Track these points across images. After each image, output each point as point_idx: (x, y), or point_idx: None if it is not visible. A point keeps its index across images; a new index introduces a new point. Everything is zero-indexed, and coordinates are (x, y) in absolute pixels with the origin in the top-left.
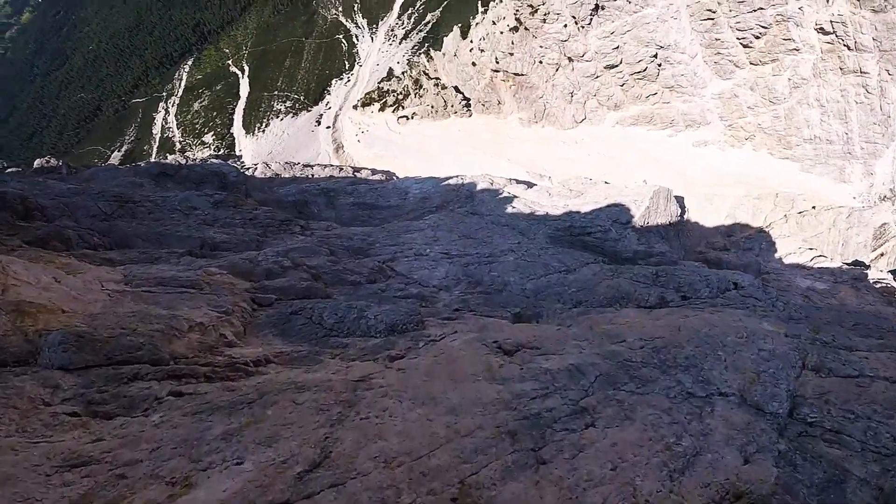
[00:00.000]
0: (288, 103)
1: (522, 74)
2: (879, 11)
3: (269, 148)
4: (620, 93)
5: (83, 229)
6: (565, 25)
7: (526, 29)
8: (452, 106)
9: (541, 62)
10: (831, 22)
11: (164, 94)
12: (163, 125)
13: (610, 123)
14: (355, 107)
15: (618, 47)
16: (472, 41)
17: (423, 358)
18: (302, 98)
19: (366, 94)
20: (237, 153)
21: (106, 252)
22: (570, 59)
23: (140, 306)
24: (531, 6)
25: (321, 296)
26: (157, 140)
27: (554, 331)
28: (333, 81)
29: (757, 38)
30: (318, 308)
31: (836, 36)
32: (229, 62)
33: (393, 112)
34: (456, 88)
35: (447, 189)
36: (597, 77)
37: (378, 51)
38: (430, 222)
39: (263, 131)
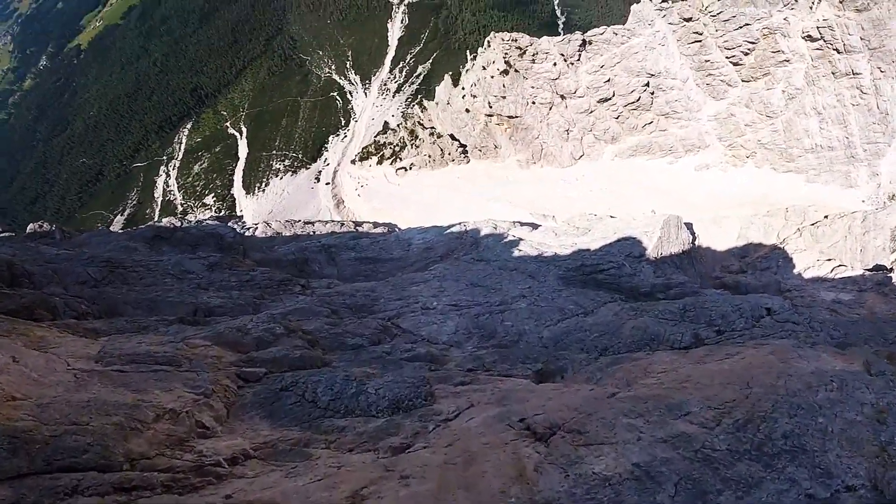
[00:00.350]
0: (287, 162)
1: (517, 116)
2: (863, 10)
3: (269, 207)
4: (616, 125)
5: (70, 296)
6: (555, 64)
7: (516, 71)
8: (449, 154)
9: (534, 103)
10: (818, 28)
11: (165, 157)
12: (164, 188)
13: (608, 157)
14: (353, 161)
15: (609, 80)
16: (463, 88)
17: (434, 452)
18: (300, 156)
19: (363, 149)
20: (238, 213)
21: (92, 321)
22: (562, 97)
23: (105, 390)
24: (519, 48)
25: (318, 365)
26: (159, 203)
27: (588, 393)
28: (330, 138)
29: (746, 54)
30: (312, 382)
31: (825, 41)
32: (227, 124)
33: (391, 164)
34: (452, 136)
35: (451, 237)
36: (591, 112)
37: (372, 105)
38: (435, 272)
39: (263, 190)
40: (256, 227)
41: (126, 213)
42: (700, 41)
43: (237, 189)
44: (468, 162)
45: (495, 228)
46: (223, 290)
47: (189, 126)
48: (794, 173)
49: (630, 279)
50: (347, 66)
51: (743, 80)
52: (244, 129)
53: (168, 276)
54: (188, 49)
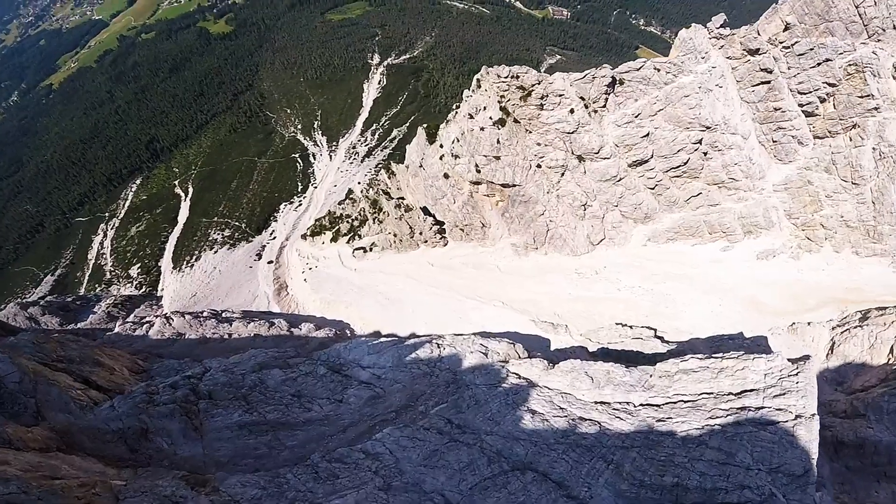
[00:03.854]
0: (226, 232)
1: (514, 185)
2: None
3: (193, 289)
4: (651, 198)
5: None
6: (571, 111)
7: (516, 122)
8: (421, 233)
9: (539, 166)
10: None
11: (107, 214)
12: (98, 250)
13: (639, 241)
14: (304, 236)
15: (647, 135)
16: (441, 146)
17: None
18: (243, 225)
19: (315, 222)
20: (158, 292)
21: None
22: (580, 158)
23: None
24: (522, 88)
25: None
26: (90, 267)
27: None
28: (282, 206)
29: (823, 100)
30: None
31: None
32: (175, 182)
33: (348, 243)
34: (425, 210)
35: (415, 368)
36: (619, 180)
37: (337, 170)
38: (381, 459)
39: (192, 266)
40: (152, 324)
41: (56, 274)
42: (769, 82)
43: (166, 261)
44: (445, 244)
45: (485, 355)
46: None
47: (138, 182)
48: (880, 257)
49: None
50: (315, 125)
51: (817, 137)
52: (190, 190)
53: None
54: (152, 98)
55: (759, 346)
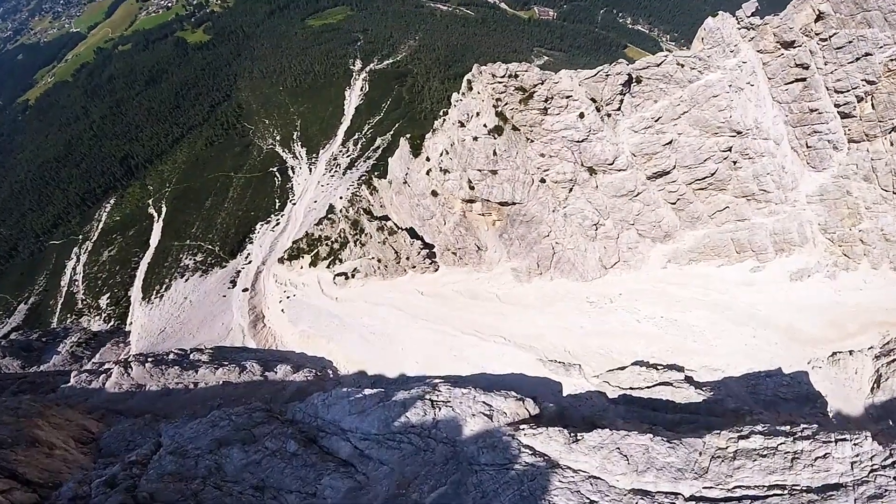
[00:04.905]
0: (199, 256)
1: (514, 203)
2: None
3: (162, 323)
4: (672, 215)
5: None
6: (581, 115)
7: (515, 129)
8: (408, 258)
9: (543, 181)
10: None
11: (80, 236)
12: (71, 276)
13: (658, 263)
14: (281, 260)
15: (670, 142)
16: (428, 159)
17: None
18: (216, 249)
19: (293, 244)
20: (127, 326)
21: None
22: (591, 171)
23: None
24: (522, 89)
25: None
26: (63, 294)
27: None
28: (258, 226)
29: (860, 99)
30: None
31: None
32: (149, 202)
33: (328, 267)
34: (412, 231)
35: (405, 441)
36: (636, 195)
37: (317, 184)
38: None
39: (161, 297)
40: (109, 374)
41: (30, 302)
42: (804, 79)
43: (136, 290)
44: (436, 269)
45: (489, 417)
46: None
47: (112, 201)
48: None
49: None
50: (294, 136)
51: (852, 140)
52: (163, 210)
53: None
54: (127, 112)
55: (800, 383)
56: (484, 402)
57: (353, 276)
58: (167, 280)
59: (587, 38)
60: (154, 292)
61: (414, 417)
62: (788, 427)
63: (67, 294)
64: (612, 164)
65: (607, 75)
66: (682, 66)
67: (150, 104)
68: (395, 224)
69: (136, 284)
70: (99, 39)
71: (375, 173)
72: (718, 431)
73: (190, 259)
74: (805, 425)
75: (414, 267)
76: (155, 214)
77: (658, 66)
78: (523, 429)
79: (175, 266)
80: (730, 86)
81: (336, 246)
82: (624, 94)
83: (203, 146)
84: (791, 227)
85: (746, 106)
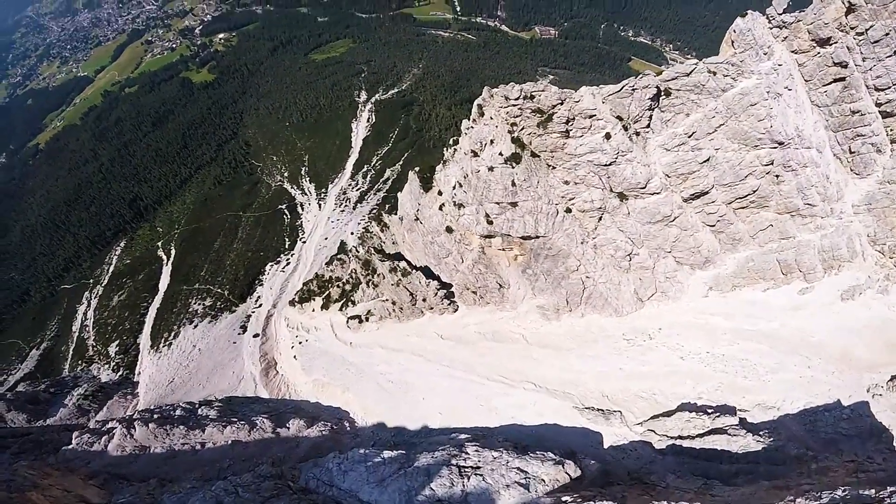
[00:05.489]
0: (208, 301)
1: (537, 237)
2: None
3: (171, 373)
4: (712, 238)
5: None
6: (607, 136)
7: (534, 155)
8: (425, 299)
9: (568, 210)
10: None
11: (91, 280)
12: (82, 321)
13: (698, 292)
14: (292, 302)
15: (707, 160)
16: (440, 193)
17: None
18: (226, 293)
19: (303, 286)
20: (135, 375)
21: None
22: (621, 197)
23: None
24: (539, 111)
25: None
26: (74, 340)
27: None
28: (268, 267)
29: None
30: None
31: None
32: (158, 244)
33: (340, 310)
34: (427, 270)
35: None
36: (673, 220)
37: (327, 220)
38: None
39: (169, 345)
40: (112, 435)
41: (42, 348)
42: (843, 79)
43: (144, 337)
44: (455, 310)
45: (525, 487)
46: None
47: (122, 244)
48: None
49: None
50: (302, 172)
51: (894, 141)
52: (173, 252)
53: None
54: (136, 154)
55: (861, 415)
56: (518, 469)
57: (367, 319)
58: (176, 327)
59: (591, 55)
60: (162, 340)
61: (440, 489)
62: (873, 492)
63: (78, 340)
64: (644, 187)
65: (633, 89)
66: (714, 73)
67: (157, 145)
68: (409, 263)
69: (144, 331)
70: (106, 83)
71: (386, 207)
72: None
73: (199, 304)
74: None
75: (431, 308)
76: (164, 257)
77: (688, 75)
78: (566, 501)
79: (184, 312)
80: (767, 92)
81: (348, 287)
82: (652, 110)
83: (211, 185)
84: (840, 242)
85: (786, 113)
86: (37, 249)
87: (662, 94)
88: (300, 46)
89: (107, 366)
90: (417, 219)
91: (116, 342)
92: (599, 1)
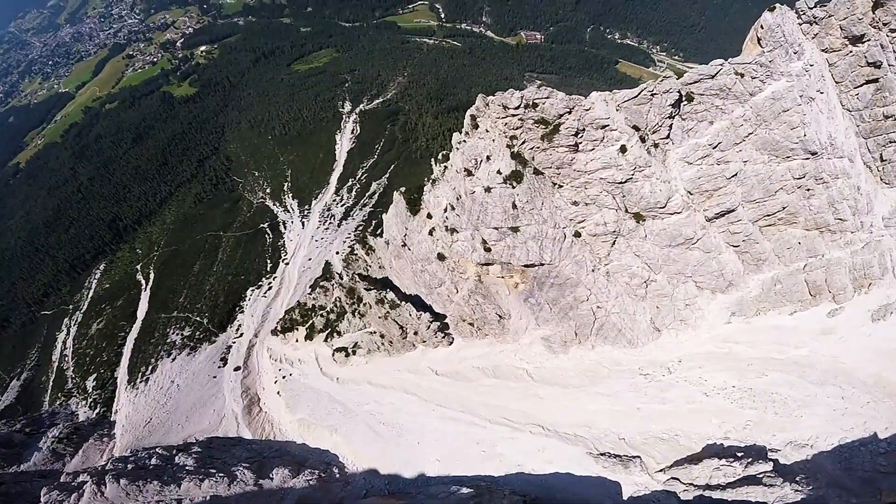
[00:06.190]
0: (186, 331)
1: (541, 264)
2: None
3: (148, 412)
4: (735, 259)
5: None
6: (622, 148)
7: (538, 172)
8: (416, 332)
9: (578, 234)
10: None
11: (71, 306)
12: (62, 350)
13: (720, 318)
14: (275, 331)
15: (734, 175)
16: (430, 215)
17: None
18: (205, 322)
19: (285, 314)
20: (113, 414)
21: None
22: (637, 218)
23: None
24: (543, 121)
25: None
26: (54, 370)
27: None
28: (249, 292)
29: None
30: None
31: None
32: (137, 267)
33: (325, 341)
34: (418, 299)
35: None
36: (693, 243)
37: (311, 239)
38: None
39: (147, 380)
40: (82, 493)
41: (23, 378)
42: (877, 80)
43: (122, 371)
44: (451, 342)
45: None
46: None
47: (102, 267)
48: None
49: None
50: (285, 188)
51: None
52: (151, 276)
53: None
54: (115, 172)
55: None
56: None
57: (354, 352)
58: (153, 360)
59: (578, 59)
60: (140, 375)
61: None
62: None
63: (58, 371)
64: (664, 207)
65: (653, 94)
66: (742, 75)
67: (137, 162)
68: (398, 290)
69: (122, 364)
70: (87, 98)
71: (372, 223)
72: None
73: (177, 334)
74: None
75: (424, 342)
76: (143, 282)
77: (713, 77)
78: None
79: (162, 343)
80: (800, 96)
81: (332, 316)
82: (673, 118)
83: (192, 204)
84: (871, 259)
85: (819, 119)
86: (16, 274)
87: (684, 98)
88: (283, 57)
89: (84, 402)
90: (405, 244)
91: (94, 375)
92: (585, 4)
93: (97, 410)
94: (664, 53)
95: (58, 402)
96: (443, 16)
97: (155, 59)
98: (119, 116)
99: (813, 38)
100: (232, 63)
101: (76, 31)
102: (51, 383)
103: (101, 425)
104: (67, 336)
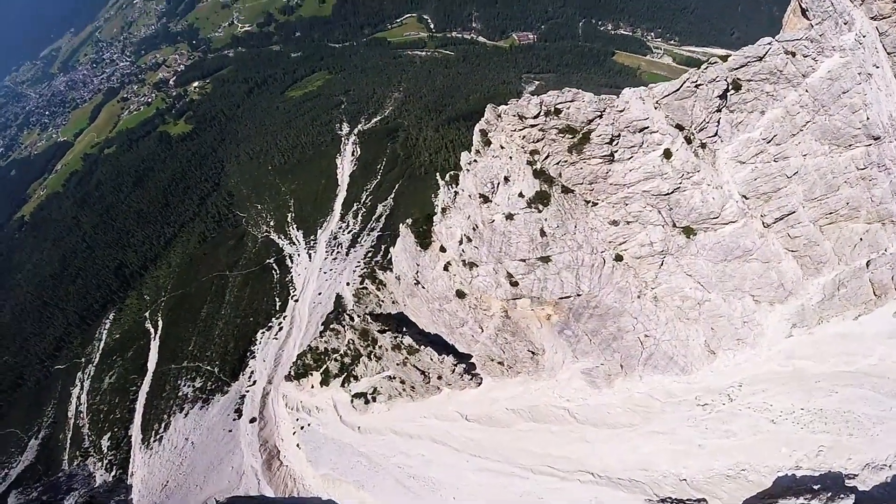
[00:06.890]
0: (198, 382)
1: (578, 295)
2: None
3: (164, 474)
4: (795, 266)
5: None
6: (666, 153)
7: (567, 191)
8: (440, 376)
9: (619, 258)
10: None
11: (83, 360)
12: (77, 406)
13: (780, 332)
14: (289, 377)
15: (796, 173)
16: (442, 249)
17: None
18: (216, 371)
19: (298, 359)
20: (129, 476)
21: None
22: (687, 232)
23: None
24: (569, 129)
25: None
26: (70, 427)
27: None
28: (259, 335)
29: None
30: None
31: None
32: (146, 315)
33: (343, 386)
34: (437, 340)
35: None
36: (752, 254)
37: (319, 272)
38: None
39: (160, 439)
40: None
41: (40, 437)
42: None
43: (136, 428)
44: (479, 383)
45: None
46: None
47: (111, 316)
48: None
49: None
50: (288, 219)
51: None
52: (160, 323)
53: None
54: (117, 218)
55: None
56: None
57: (373, 398)
58: (165, 415)
59: (573, 54)
60: (153, 433)
61: None
62: None
63: (74, 427)
64: (717, 217)
65: (697, 86)
66: (793, 54)
67: (139, 206)
68: (415, 325)
69: (135, 421)
70: (85, 145)
71: (381, 248)
72: None
73: (188, 386)
74: None
75: (450, 385)
76: (152, 330)
77: (761, 59)
78: None
79: (173, 397)
80: (859, 73)
81: (347, 360)
82: (720, 111)
83: (196, 244)
84: None
85: (878, 98)
86: (27, 329)
87: (732, 87)
88: (276, 85)
89: (100, 462)
90: (418, 282)
91: (108, 434)
92: None
93: (113, 473)
94: (659, 39)
95: (76, 463)
96: (432, 26)
97: (149, 100)
98: (118, 161)
99: (861, 4)
100: (226, 96)
101: (70, 78)
102: (68, 441)
103: (117, 490)
104: (81, 391)
